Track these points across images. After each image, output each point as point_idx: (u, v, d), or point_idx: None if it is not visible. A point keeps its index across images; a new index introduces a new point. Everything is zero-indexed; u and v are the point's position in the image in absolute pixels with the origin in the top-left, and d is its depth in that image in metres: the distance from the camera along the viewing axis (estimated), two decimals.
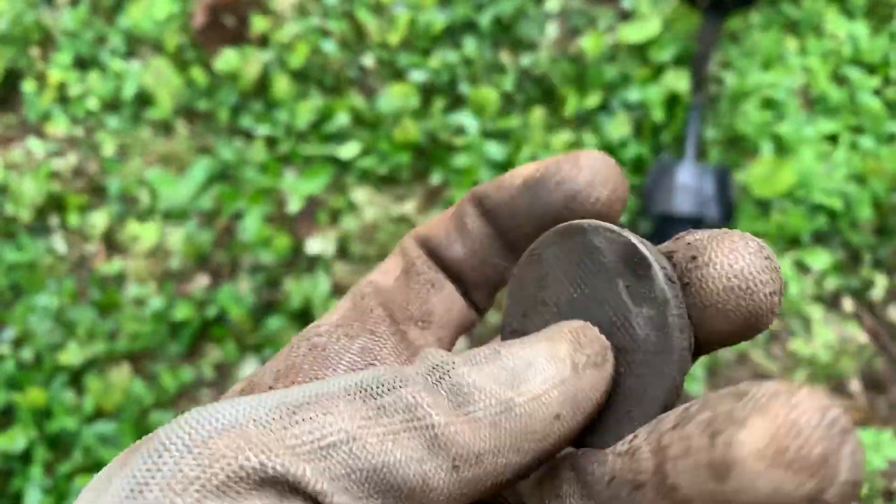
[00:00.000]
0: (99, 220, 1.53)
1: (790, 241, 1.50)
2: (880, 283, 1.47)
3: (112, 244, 1.56)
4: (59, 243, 1.53)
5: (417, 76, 1.58)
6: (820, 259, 1.47)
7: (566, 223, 0.25)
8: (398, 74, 1.61)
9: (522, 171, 0.28)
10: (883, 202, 1.48)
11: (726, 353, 1.47)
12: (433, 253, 0.30)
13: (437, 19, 1.62)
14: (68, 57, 1.60)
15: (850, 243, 1.49)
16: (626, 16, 1.68)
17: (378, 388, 0.21)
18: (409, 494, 0.20)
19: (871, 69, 1.59)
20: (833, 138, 1.54)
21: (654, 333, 0.23)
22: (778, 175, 1.44)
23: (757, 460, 0.18)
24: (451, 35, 1.65)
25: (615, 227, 0.24)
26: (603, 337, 0.24)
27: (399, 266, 0.30)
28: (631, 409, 0.23)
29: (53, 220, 1.54)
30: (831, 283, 1.47)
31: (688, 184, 1.41)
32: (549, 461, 0.24)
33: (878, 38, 1.61)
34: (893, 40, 1.61)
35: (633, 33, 1.56)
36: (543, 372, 0.22)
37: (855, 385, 1.41)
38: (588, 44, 1.57)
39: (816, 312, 1.46)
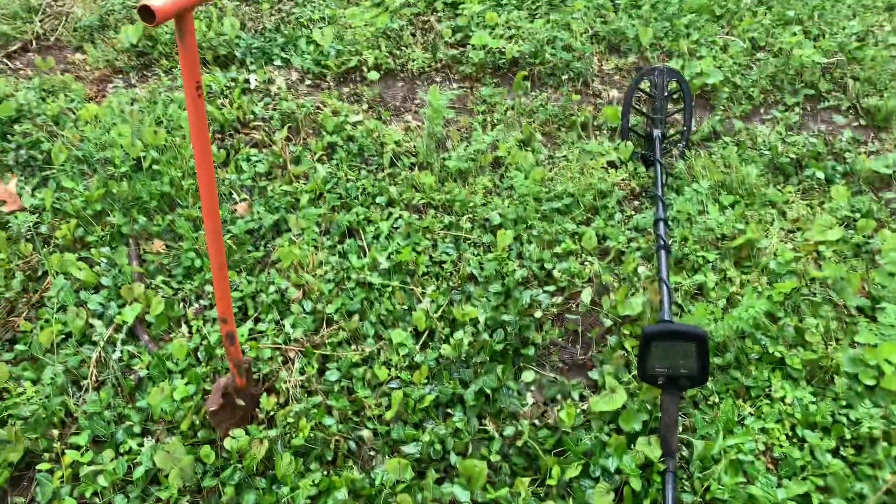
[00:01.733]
0: None
1: None
2: None
3: None
4: None
5: (411, 449, 1.70)
6: None
7: None
8: (393, 445, 1.74)
9: None
10: None
11: None
12: None
13: (428, 394, 1.80)
14: (85, 438, 1.73)
15: None
16: (595, 387, 1.88)
17: None
18: None
19: (824, 430, 1.75)
20: (805, 498, 1.62)
21: None
22: None
23: None
24: (440, 408, 1.82)
25: None
26: None
27: None
28: None
29: None
30: None
31: None
32: None
33: (823, 401, 1.79)
34: (837, 402, 1.79)
35: (603, 404, 1.74)
36: None
37: None
38: (564, 415, 1.73)
39: None
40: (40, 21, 3.39)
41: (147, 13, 0.97)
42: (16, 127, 2.61)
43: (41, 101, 2.77)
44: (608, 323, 2.02)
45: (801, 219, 2.31)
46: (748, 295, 1.95)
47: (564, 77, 3.01)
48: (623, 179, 2.50)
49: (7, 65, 3.13)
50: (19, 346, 1.92)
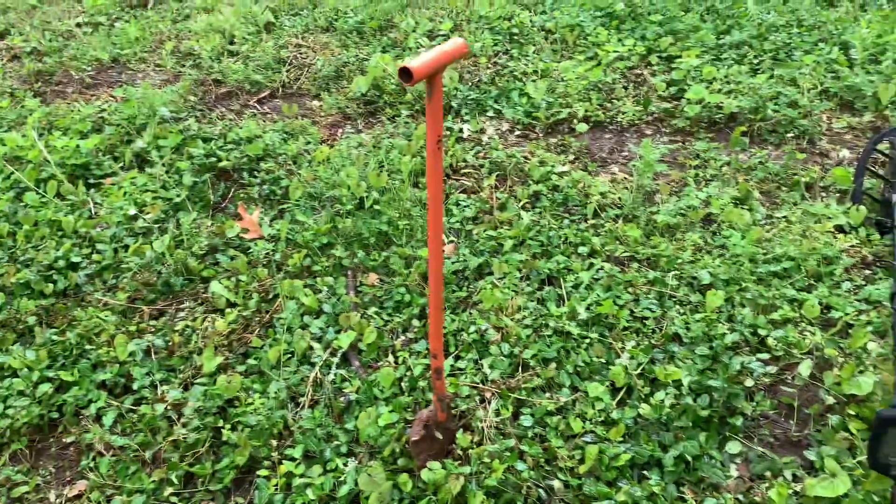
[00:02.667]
0: None
1: None
2: None
3: None
4: None
5: None
6: None
7: None
8: (584, 500, 1.71)
9: None
10: None
11: None
12: None
13: (624, 453, 1.75)
14: (299, 451, 1.88)
15: None
16: (811, 468, 1.72)
17: None
18: None
19: None
20: None
21: None
22: None
23: None
24: (636, 468, 1.76)
25: None
26: None
27: None
28: None
29: None
30: None
31: None
32: None
33: None
34: None
35: (820, 489, 1.59)
36: None
37: None
38: (775, 494, 1.60)
39: None
40: (286, 71, 3.84)
41: (405, 74, 1.07)
42: (261, 164, 2.96)
43: (283, 142, 3.12)
44: (830, 401, 1.85)
45: None
46: None
47: (788, 135, 2.85)
48: (853, 246, 2.30)
49: (258, 109, 3.57)
50: (251, 361, 2.14)
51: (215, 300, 2.34)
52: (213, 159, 2.95)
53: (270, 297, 2.38)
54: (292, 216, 2.69)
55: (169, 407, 2.01)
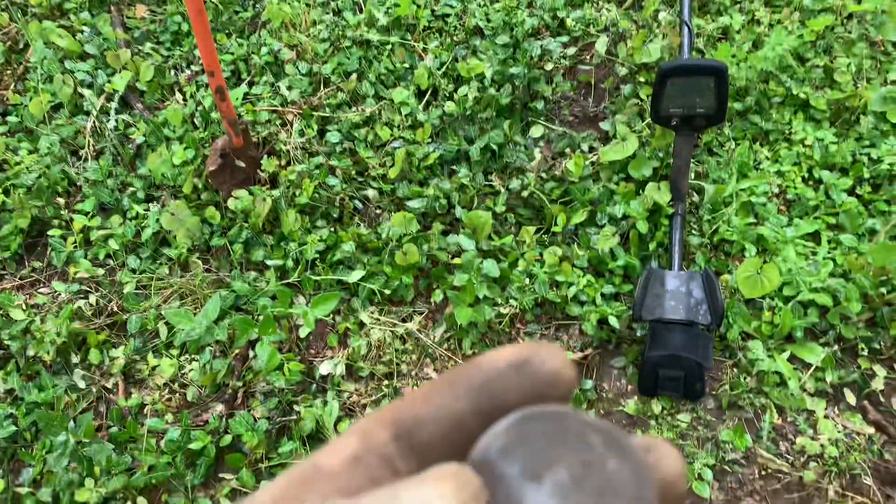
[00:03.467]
0: (119, 355, 1.60)
1: (784, 338, 1.54)
2: (880, 375, 1.49)
3: (131, 379, 1.61)
4: (79, 381, 1.59)
5: (416, 204, 1.68)
6: (816, 354, 1.50)
7: (552, 407, 0.29)
8: (398, 204, 1.72)
9: (501, 354, 0.31)
10: (871, 296, 1.52)
11: (735, 454, 1.47)
12: (403, 435, 0.29)
13: (432, 152, 1.75)
14: (91, 205, 1.73)
15: (845, 337, 1.52)
16: (606, 138, 1.81)
17: None
18: None
19: (842, 170, 1.69)
20: (814, 236, 1.61)
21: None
22: (764, 275, 1.50)
23: None
24: (445, 165, 1.78)
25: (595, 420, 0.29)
26: (476, 477, 0.27)
27: (350, 447, 0.29)
28: None
29: (74, 359, 1.61)
30: (830, 378, 1.50)
31: (677, 290, 1.47)
32: None
33: (845, 141, 1.71)
34: (860, 143, 1.71)
35: (613, 153, 1.68)
36: None
37: (867, 480, 1.40)
38: (572, 165, 1.68)
39: (819, 407, 1.48)
40: None
41: None
42: None
43: None
44: (623, 72, 1.90)
45: None
46: (776, 34, 1.80)
47: None
48: None
49: None
50: (12, 119, 1.86)
51: None
52: None
53: (21, 46, 2.02)
54: None
55: None
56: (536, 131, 1.82)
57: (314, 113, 1.85)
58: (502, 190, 1.71)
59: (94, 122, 1.85)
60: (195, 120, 1.86)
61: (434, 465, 0.27)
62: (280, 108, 1.87)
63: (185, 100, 1.91)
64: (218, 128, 1.82)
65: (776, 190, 1.67)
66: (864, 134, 1.71)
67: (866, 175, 1.66)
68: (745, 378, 1.51)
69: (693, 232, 1.63)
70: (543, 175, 1.74)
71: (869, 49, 1.87)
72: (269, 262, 1.64)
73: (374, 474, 0.28)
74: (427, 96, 1.89)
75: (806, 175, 1.69)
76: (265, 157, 1.76)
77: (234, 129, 1.62)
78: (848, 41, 1.87)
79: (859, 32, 1.89)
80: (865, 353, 1.51)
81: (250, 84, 1.94)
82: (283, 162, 1.78)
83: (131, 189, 1.75)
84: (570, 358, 0.28)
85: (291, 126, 1.84)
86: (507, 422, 0.28)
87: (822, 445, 1.44)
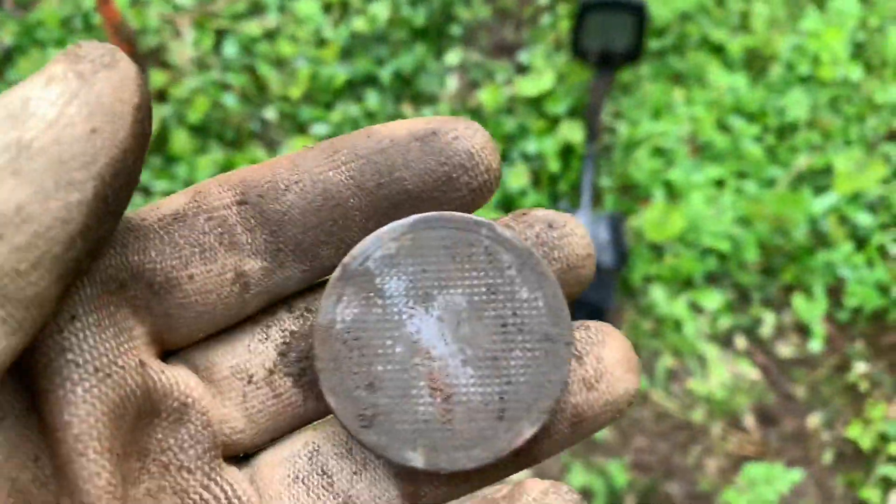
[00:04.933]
0: None
1: (684, 283, 1.56)
2: (769, 321, 1.55)
3: None
4: None
5: (319, 129, 1.58)
6: (712, 299, 1.54)
7: (460, 214, 0.24)
8: (300, 128, 1.62)
9: (402, 124, 0.24)
10: (767, 244, 1.56)
11: None
12: (252, 201, 0.23)
13: (339, 73, 1.64)
14: None
15: (740, 283, 1.56)
16: (522, 69, 1.74)
17: None
18: None
19: (751, 118, 1.70)
20: (720, 183, 1.62)
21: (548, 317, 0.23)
22: (669, 220, 1.50)
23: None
24: (353, 89, 1.67)
25: (514, 238, 0.24)
26: (103, 44, 0.21)
27: (175, 204, 0.24)
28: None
29: None
30: (724, 323, 1.54)
31: None
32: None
33: (756, 89, 1.72)
34: (770, 91, 1.72)
35: (528, 87, 1.62)
36: (45, 97, 0.19)
37: (749, 420, 1.47)
38: (486, 97, 1.61)
39: (711, 351, 1.52)
40: None
41: None
42: None
43: None
44: (544, 2, 1.83)
45: None
46: None
47: None
48: None
49: None
50: None
51: None
52: None
53: None
54: None
55: None
56: (452, 58, 1.74)
57: (210, 23, 1.69)
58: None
59: None
60: (74, 23, 1.66)
61: (293, 244, 0.22)
62: (172, 14, 1.69)
63: None
64: (101, 34, 1.64)
65: (687, 135, 1.67)
66: (773, 82, 1.72)
67: (773, 124, 1.68)
68: (644, 322, 1.54)
69: (604, 173, 1.61)
70: (457, 108, 1.66)
71: None
72: (155, 186, 1.52)
73: (200, 239, 0.23)
74: (337, 13, 1.76)
75: (717, 120, 1.69)
76: (153, 68, 1.60)
77: (118, 37, 1.46)
78: None
79: None
80: (758, 299, 1.56)
81: None
82: (173, 75, 1.62)
83: None
84: (493, 144, 0.24)
85: (184, 37, 1.68)
86: (398, 224, 0.24)
87: (710, 388, 1.49)
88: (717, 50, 1.77)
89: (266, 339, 0.24)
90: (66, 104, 0.19)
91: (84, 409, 0.19)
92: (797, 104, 1.67)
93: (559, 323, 0.23)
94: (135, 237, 0.23)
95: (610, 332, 0.24)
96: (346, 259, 0.23)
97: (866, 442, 1.43)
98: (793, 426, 1.47)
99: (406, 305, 0.23)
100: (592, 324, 0.24)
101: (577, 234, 0.25)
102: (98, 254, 0.21)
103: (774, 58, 1.75)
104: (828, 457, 1.43)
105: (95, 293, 0.21)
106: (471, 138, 0.24)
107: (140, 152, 0.21)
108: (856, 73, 1.70)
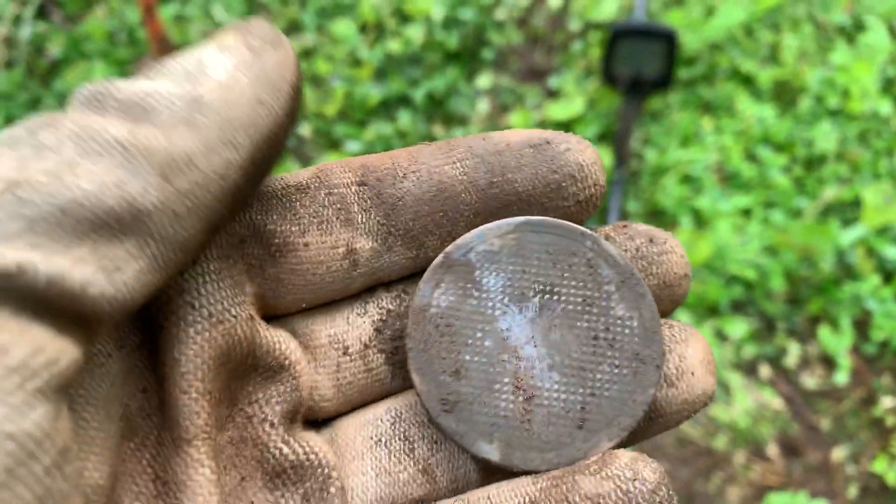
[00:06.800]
0: None
1: (710, 310, 1.56)
2: (793, 351, 1.54)
3: None
4: None
5: (353, 146, 1.62)
6: (737, 327, 1.54)
7: (568, 223, 0.24)
8: (334, 144, 1.65)
9: (517, 132, 0.26)
10: (794, 273, 1.56)
11: None
12: (371, 183, 0.24)
13: (373, 93, 1.68)
14: (0, 118, 1.59)
15: (765, 312, 1.56)
16: (552, 94, 1.77)
17: (30, 129, 0.18)
18: (125, 225, 0.17)
19: (779, 148, 1.71)
20: (747, 212, 1.63)
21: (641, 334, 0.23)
22: (696, 247, 1.51)
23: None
24: (386, 108, 1.71)
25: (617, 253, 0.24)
26: (270, 25, 0.22)
27: (300, 177, 0.25)
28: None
29: None
30: (748, 351, 1.54)
31: None
32: None
33: (784, 119, 1.73)
34: (798, 122, 1.73)
35: (558, 111, 1.65)
36: (219, 61, 0.20)
37: (773, 450, 1.46)
38: (516, 120, 1.64)
39: (735, 379, 1.52)
40: None
41: None
42: None
43: None
44: (575, 28, 1.86)
45: None
46: (729, 5, 1.79)
47: None
48: None
49: None
50: None
51: None
52: None
53: None
54: None
55: None
56: (484, 81, 1.77)
57: None
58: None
59: (8, 30, 1.69)
60: (119, 38, 1.72)
61: (403, 230, 0.23)
62: (212, 31, 1.74)
63: (110, 14, 1.77)
64: (144, 48, 1.69)
65: (715, 162, 1.68)
66: (801, 114, 1.73)
67: (801, 155, 1.68)
68: None
69: (631, 198, 1.63)
70: (488, 129, 1.69)
71: (815, 30, 1.88)
72: None
73: (319, 212, 0.24)
74: (372, 34, 1.80)
75: (745, 150, 1.70)
76: None
77: (161, 50, 1.51)
78: (796, 20, 1.88)
79: (807, 11, 1.90)
80: (783, 329, 1.55)
81: (183, 2, 1.80)
82: None
83: (44, 105, 1.62)
84: (602, 162, 0.26)
85: None
86: (504, 223, 0.24)
87: (734, 416, 1.48)
88: (747, 81, 1.79)
89: (364, 313, 0.25)
90: (237, 70, 0.20)
91: (193, 350, 0.20)
92: (826, 136, 1.68)
93: (651, 345, 0.23)
94: (259, 200, 0.24)
95: (693, 332, 0.25)
96: (449, 248, 0.24)
97: (892, 477, 1.41)
98: (817, 458, 1.46)
99: (501, 302, 0.23)
100: (677, 323, 0.25)
101: (677, 253, 0.26)
102: (236, 214, 0.22)
103: (803, 90, 1.77)
104: (853, 490, 1.42)
105: (218, 244, 0.22)
106: (582, 152, 0.25)
107: (289, 128, 0.22)
108: (885, 107, 1.71)
